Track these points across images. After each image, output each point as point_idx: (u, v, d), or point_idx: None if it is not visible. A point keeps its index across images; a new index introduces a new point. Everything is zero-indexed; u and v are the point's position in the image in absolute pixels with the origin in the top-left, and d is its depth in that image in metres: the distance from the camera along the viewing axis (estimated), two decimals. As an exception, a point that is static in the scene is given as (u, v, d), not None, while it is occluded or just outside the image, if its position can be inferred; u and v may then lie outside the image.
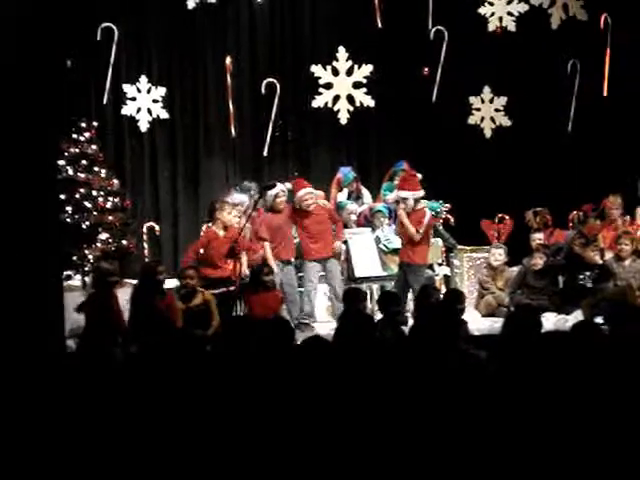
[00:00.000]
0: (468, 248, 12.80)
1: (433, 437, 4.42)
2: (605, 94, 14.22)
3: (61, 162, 11.56)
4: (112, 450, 4.39)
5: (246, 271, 10.69)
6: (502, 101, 14.36)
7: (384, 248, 11.91)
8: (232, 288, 10.39)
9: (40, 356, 6.96)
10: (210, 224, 11.07)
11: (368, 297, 11.06)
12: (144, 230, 12.91)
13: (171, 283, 10.85)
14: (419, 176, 11.61)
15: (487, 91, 14.35)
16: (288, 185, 11.68)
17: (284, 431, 4.37)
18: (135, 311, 9.63)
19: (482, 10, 14.06)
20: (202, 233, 11.34)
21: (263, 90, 13.61)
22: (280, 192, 11.27)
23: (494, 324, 10.72)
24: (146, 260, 12.37)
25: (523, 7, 14.06)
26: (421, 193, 11.22)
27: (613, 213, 12.36)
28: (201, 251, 10.76)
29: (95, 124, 12.33)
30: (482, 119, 14.37)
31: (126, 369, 5.65)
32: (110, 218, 11.89)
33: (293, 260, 11.33)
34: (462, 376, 4.99)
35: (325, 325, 11.00)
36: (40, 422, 4.61)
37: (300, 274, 11.39)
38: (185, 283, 9.98)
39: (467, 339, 8.38)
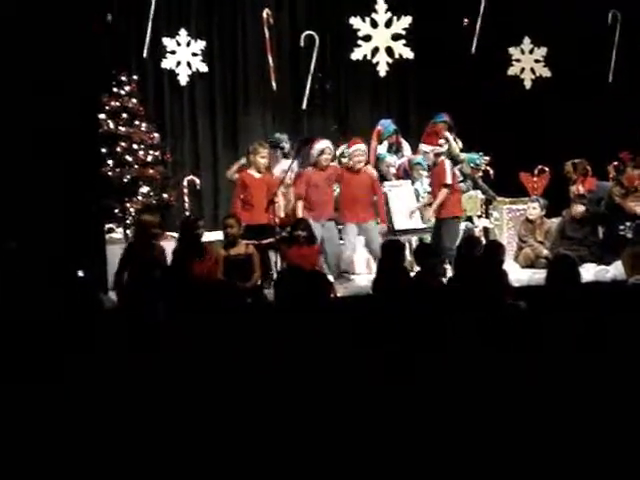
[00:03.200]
0: (507, 200, 12.78)
1: (471, 385, 4.45)
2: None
3: (102, 116, 11.64)
4: (149, 404, 4.43)
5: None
6: (542, 52, 14.28)
7: (422, 200, 11.93)
8: (270, 240, 10.46)
9: (82, 308, 7.06)
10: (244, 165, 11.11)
11: (407, 250, 11.13)
12: (184, 183, 12.96)
13: (213, 236, 10.92)
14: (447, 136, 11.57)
15: (527, 42, 14.28)
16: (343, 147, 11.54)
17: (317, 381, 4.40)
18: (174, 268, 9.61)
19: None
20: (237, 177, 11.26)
21: (302, 43, 13.60)
22: (327, 148, 11.07)
23: (533, 275, 10.74)
24: (186, 214, 12.43)
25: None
26: (441, 149, 11.25)
27: None
28: (241, 196, 10.80)
29: (135, 78, 12.39)
30: (522, 70, 14.31)
31: (166, 324, 5.73)
32: (151, 171, 11.98)
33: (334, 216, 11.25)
34: (502, 326, 5.03)
35: (364, 277, 11.03)
36: (77, 374, 4.66)
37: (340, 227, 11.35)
38: (226, 232, 9.97)
39: (507, 290, 8.41)
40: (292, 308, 5.06)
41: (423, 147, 11.24)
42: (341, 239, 11.20)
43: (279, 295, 5.28)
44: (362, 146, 11.29)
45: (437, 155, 11.22)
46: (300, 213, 10.88)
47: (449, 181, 11.02)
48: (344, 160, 11.59)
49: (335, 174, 11.17)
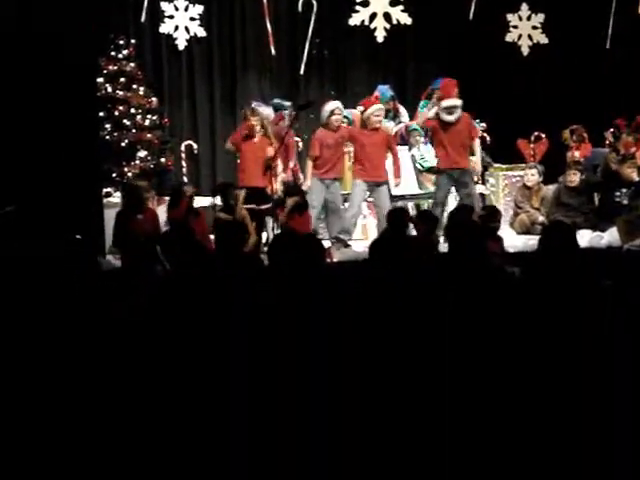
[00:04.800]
0: (504, 166, 12.81)
1: (464, 353, 4.48)
2: (640, 12, 14.15)
3: (100, 79, 11.66)
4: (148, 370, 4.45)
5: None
6: (540, 18, 14.29)
7: (419, 167, 11.97)
8: (267, 206, 10.51)
9: (80, 271, 7.08)
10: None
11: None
12: (182, 148, 12.98)
13: (208, 201, 10.98)
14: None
15: (525, 8, 14.28)
16: (360, 108, 11.47)
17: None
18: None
19: None
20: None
21: (300, 8, 13.59)
22: (336, 109, 11.10)
23: (528, 241, 10.78)
24: (184, 179, 12.49)
25: None
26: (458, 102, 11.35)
27: None
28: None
29: (133, 42, 12.39)
30: (519, 36, 14.32)
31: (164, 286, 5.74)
32: (149, 136, 12.01)
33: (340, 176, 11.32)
34: (496, 291, 5.06)
35: (360, 243, 11.07)
36: (74, 339, 4.68)
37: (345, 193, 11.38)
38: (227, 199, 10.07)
39: (502, 255, 8.46)
40: (286, 273, 5.07)
41: (451, 102, 11.23)
42: (345, 201, 11.24)
43: (272, 260, 5.28)
44: (380, 105, 11.34)
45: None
46: (309, 172, 10.99)
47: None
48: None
49: (347, 135, 11.22)
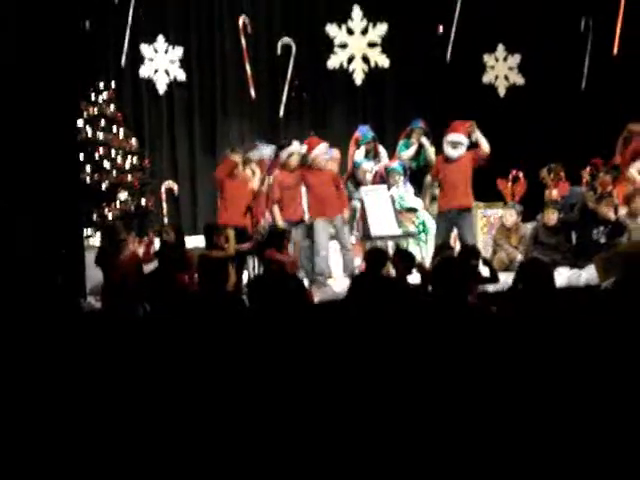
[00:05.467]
0: (482, 204, 12.88)
1: (443, 390, 4.50)
2: (615, 53, 14.30)
3: (80, 123, 11.69)
4: (131, 408, 4.47)
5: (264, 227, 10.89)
6: (516, 59, 14.44)
7: (398, 206, 12.04)
8: (247, 245, 10.54)
9: (61, 312, 7.10)
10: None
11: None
12: (162, 190, 13.02)
13: (191, 242, 10.99)
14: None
15: (501, 49, 14.43)
16: (304, 147, 11.67)
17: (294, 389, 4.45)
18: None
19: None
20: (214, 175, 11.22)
21: (279, 50, 13.70)
22: (294, 151, 11.30)
23: (507, 280, 10.82)
24: (164, 220, 12.51)
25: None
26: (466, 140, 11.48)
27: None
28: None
29: (113, 85, 12.46)
30: (496, 77, 14.46)
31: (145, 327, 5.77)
32: (129, 178, 12.05)
33: (307, 218, 11.40)
34: (473, 329, 5.09)
35: (340, 282, 11.09)
36: (57, 379, 4.69)
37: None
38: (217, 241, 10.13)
39: (480, 294, 8.50)
40: (268, 314, 5.08)
41: (456, 137, 11.37)
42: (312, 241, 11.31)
43: (253, 300, 5.31)
44: (326, 144, 11.49)
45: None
46: (278, 217, 11.04)
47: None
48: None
49: (301, 177, 11.34)
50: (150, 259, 9.90)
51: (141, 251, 10.32)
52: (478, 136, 11.47)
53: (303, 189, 11.47)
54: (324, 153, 11.37)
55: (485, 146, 11.39)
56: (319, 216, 11.20)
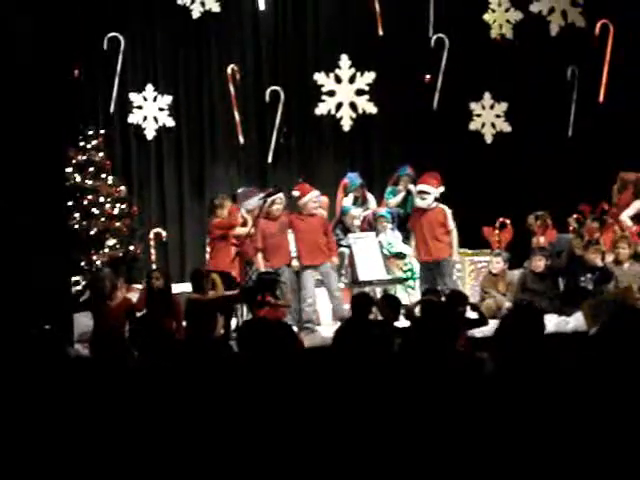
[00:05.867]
0: (470, 252, 12.91)
1: (431, 439, 4.49)
2: (601, 100, 14.43)
3: (69, 169, 11.73)
4: (118, 456, 4.44)
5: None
6: (502, 107, 14.51)
7: (387, 252, 12.07)
8: (234, 292, 10.56)
9: (49, 360, 7.05)
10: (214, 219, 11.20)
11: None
12: (151, 236, 13.03)
13: (180, 288, 11.00)
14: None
15: (488, 97, 14.50)
16: (295, 193, 11.67)
17: (284, 435, 4.43)
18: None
19: (487, 17, 14.25)
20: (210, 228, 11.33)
21: (267, 98, 13.78)
22: (277, 199, 11.35)
23: (496, 326, 10.81)
24: (152, 266, 12.51)
25: (518, 15, 14.29)
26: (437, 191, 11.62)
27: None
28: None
29: (102, 132, 12.51)
30: (483, 125, 14.53)
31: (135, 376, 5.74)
32: (117, 224, 12.07)
33: (294, 264, 11.44)
34: (462, 377, 5.09)
35: (329, 328, 11.07)
36: (45, 427, 4.66)
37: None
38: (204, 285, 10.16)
39: (469, 341, 8.51)
40: (257, 360, 5.08)
41: (423, 187, 11.53)
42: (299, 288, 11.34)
43: (243, 347, 5.29)
44: (317, 192, 11.58)
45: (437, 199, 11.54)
46: (261, 266, 11.07)
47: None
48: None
49: (287, 221, 11.39)
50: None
51: (136, 298, 10.31)
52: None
53: (290, 235, 11.52)
54: (315, 200, 11.41)
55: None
56: (306, 263, 11.23)
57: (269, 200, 11.31)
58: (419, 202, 11.65)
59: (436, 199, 11.70)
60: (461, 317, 8.94)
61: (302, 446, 4.32)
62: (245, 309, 10.73)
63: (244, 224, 11.20)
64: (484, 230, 13.18)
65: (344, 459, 4.29)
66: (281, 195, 11.44)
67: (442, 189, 11.76)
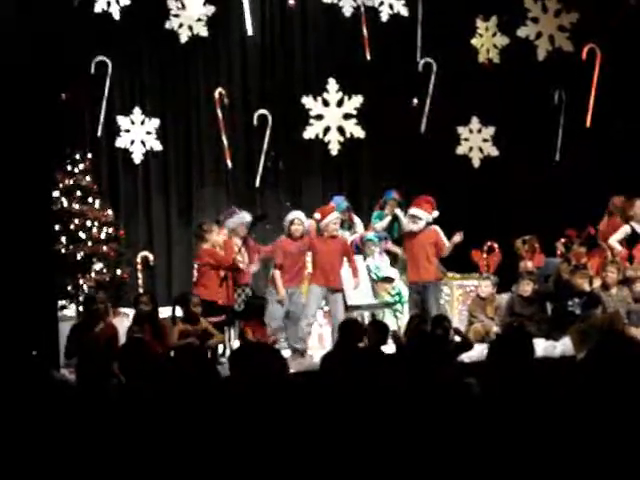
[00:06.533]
0: (458, 276, 12.92)
1: (419, 463, 4.48)
2: (588, 125, 14.49)
3: (56, 193, 11.69)
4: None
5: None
6: (490, 131, 14.56)
7: (374, 276, 12.06)
8: (223, 317, 10.53)
9: (34, 386, 7.01)
10: (203, 245, 11.15)
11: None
12: (138, 260, 12.99)
13: (167, 312, 10.96)
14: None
15: (475, 121, 14.55)
16: (317, 215, 11.60)
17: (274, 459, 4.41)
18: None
19: (474, 41, 14.30)
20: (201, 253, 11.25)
21: (255, 121, 13.79)
22: (296, 219, 11.31)
23: (484, 351, 10.80)
24: (139, 290, 12.47)
25: (505, 40, 14.35)
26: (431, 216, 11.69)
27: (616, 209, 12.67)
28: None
29: (89, 156, 12.48)
30: (470, 149, 14.57)
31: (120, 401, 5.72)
32: (104, 248, 12.02)
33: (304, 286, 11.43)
34: (449, 401, 5.08)
35: (318, 352, 11.06)
36: (33, 453, 4.64)
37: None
38: (192, 310, 10.13)
39: (458, 365, 8.50)
40: (247, 385, 5.06)
41: (416, 211, 11.56)
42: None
43: (235, 371, 5.27)
44: (337, 214, 11.55)
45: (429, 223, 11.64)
46: (279, 283, 11.08)
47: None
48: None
49: (308, 244, 11.38)
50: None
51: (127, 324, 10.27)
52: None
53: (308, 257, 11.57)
54: (335, 221, 11.38)
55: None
56: (316, 282, 11.23)
57: (287, 220, 11.31)
58: (411, 225, 11.66)
59: (428, 223, 11.70)
60: (444, 341, 8.94)
61: (288, 470, 4.31)
62: (233, 333, 10.72)
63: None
64: (473, 253, 13.18)
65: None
66: (299, 215, 11.43)
67: (436, 214, 11.75)
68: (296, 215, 11.41)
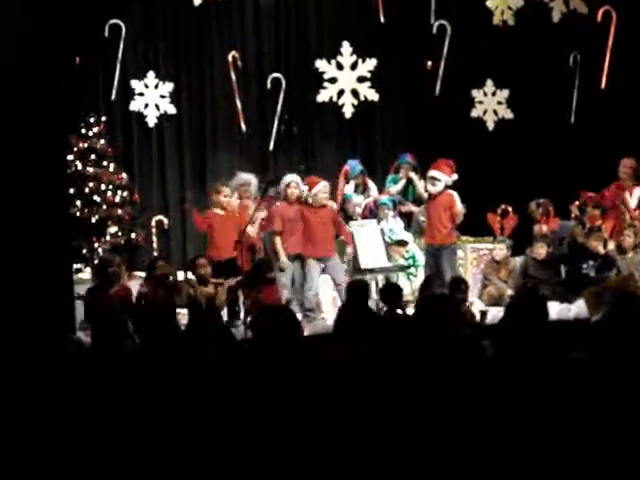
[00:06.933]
0: (472, 239, 12.90)
1: (433, 426, 4.49)
2: (603, 87, 14.41)
3: (70, 157, 11.72)
4: (119, 447, 4.45)
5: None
6: (504, 94, 14.51)
7: (388, 240, 12.06)
8: (235, 279, 10.53)
9: (50, 348, 7.07)
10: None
11: (374, 288, 11.24)
12: (152, 223, 13.02)
13: (181, 275, 10.99)
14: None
15: (490, 84, 14.51)
16: (305, 187, 11.45)
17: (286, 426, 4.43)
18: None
19: (489, 3, 14.22)
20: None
21: (269, 85, 13.76)
22: (292, 182, 11.26)
23: (498, 314, 10.83)
24: (154, 254, 12.51)
25: (520, 2, 14.30)
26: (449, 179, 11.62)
27: (623, 171, 12.56)
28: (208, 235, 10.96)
29: (103, 119, 12.50)
30: (485, 112, 14.53)
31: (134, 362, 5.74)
32: (119, 212, 12.07)
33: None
34: (464, 364, 5.09)
35: (331, 316, 11.08)
36: (47, 416, 4.67)
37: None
38: (198, 272, 10.16)
39: (471, 328, 8.51)
40: (270, 348, 5.07)
41: (435, 173, 11.52)
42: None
43: (260, 335, 5.26)
44: (325, 182, 11.49)
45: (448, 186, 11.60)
46: (280, 249, 11.07)
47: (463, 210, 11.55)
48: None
49: (301, 211, 11.34)
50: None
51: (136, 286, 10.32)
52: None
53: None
54: (324, 191, 11.35)
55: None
56: (311, 255, 11.21)
57: (283, 183, 11.27)
58: (429, 187, 11.65)
59: (447, 186, 11.65)
60: (460, 305, 8.95)
61: (305, 434, 4.33)
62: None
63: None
64: (488, 216, 13.15)
65: (348, 446, 4.30)
66: (296, 178, 11.39)
67: (455, 177, 11.70)
68: (292, 178, 11.37)
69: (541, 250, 11.81)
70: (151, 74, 13.30)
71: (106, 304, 9.50)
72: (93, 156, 12.07)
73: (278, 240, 11.13)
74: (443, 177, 11.56)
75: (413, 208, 12.68)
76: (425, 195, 12.08)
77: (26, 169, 9.53)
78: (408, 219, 12.66)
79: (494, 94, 14.50)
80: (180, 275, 10.99)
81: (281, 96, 13.74)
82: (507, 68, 14.29)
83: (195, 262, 10.39)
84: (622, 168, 12.60)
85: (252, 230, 10.97)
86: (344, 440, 4.31)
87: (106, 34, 12.99)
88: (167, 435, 4.39)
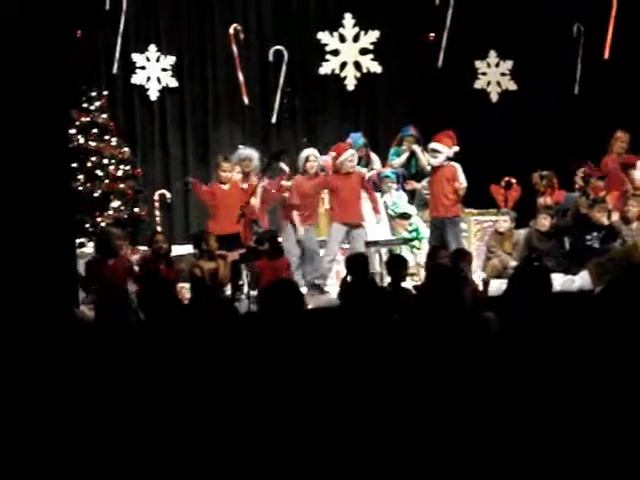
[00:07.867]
0: (475, 211, 12.88)
1: (438, 401, 4.49)
2: (607, 57, 14.34)
3: (72, 131, 11.70)
4: (125, 422, 4.45)
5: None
6: (508, 65, 14.45)
7: (392, 213, 12.04)
8: (238, 252, 10.51)
9: (53, 323, 7.06)
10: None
11: (377, 261, 11.23)
12: (155, 197, 13.01)
13: (184, 250, 10.98)
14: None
15: (493, 55, 14.43)
16: (332, 153, 11.46)
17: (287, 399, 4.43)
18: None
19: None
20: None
21: (271, 58, 13.71)
22: (311, 156, 11.26)
23: (501, 286, 10.81)
24: (157, 228, 12.50)
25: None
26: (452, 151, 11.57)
27: (620, 146, 12.51)
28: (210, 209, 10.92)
29: (105, 93, 12.47)
30: (488, 83, 14.47)
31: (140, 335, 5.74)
32: (121, 186, 12.08)
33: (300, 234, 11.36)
34: (469, 336, 5.08)
35: (335, 289, 11.07)
36: (48, 389, 4.68)
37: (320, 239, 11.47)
38: (201, 246, 10.14)
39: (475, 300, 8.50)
40: (275, 320, 5.07)
41: (436, 145, 11.48)
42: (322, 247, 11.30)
43: (266, 308, 5.26)
44: (353, 150, 11.48)
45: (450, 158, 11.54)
46: (299, 224, 11.06)
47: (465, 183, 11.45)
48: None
49: (323, 183, 11.34)
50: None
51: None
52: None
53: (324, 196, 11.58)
54: (350, 159, 11.30)
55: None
56: (338, 219, 11.20)
57: (302, 157, 11.26)
58: (431, 160, 11.63)
59: (449, 158, 11.60)
60: (464, 276, 8.94)
61: (308, 409, 4.33)
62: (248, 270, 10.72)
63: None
64: (492, 188, 13.13)
65: (352, 423, 4.30)
66: (314, 151, 11.38)
67: (456, 149, 11.64)
68: (311, 152, 11.36)
69: (545, 222, 11.78)
70: (153, 47, 13.25)
71: (107, 275, 9.50)
72: (95, 130, 12.08)
73: (295, 214, 11.12)
74: (444, 149, 11.52)
75: (417, 185, 12.63)
76: (428, 168, 12.03)
77: (29, 143, 9.51)
78: (412, 193, 12.62)
79: (497, 65, 14.44)
80: (184, 249, 10.98)
81: (283, 68, 13.69)
82: (510, 39, 14.20)
83: (200, 236, 10.35)
84: (619, 143, 12.56)
85: (255, 203, 10.94)
86: (348, 414, 4.31)
87: (107, 7, 12.93)
88: (171, 412, 4.39)
